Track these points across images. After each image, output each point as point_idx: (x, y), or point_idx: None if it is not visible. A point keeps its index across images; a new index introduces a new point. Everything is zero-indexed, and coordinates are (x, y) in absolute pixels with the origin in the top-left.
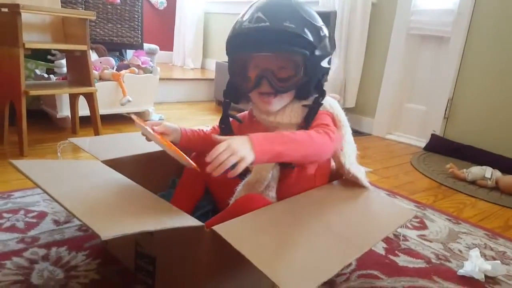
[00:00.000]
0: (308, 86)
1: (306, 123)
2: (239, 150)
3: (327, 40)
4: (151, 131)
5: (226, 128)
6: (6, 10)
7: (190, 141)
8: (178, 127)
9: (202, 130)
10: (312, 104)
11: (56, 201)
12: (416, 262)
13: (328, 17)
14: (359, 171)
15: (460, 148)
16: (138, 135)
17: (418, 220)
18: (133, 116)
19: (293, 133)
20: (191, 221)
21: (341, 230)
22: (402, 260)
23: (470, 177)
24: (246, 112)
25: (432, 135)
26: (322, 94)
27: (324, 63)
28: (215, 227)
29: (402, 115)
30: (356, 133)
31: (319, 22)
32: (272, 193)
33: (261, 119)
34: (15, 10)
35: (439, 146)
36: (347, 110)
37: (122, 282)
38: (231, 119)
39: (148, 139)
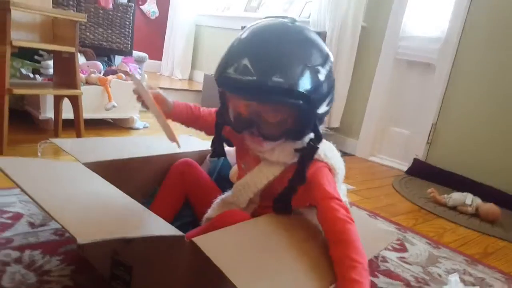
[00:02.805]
0: (302, 133)
1: (301, 171)
2: None
3: (329, 78)
4: (147, 90)
5: (217, 150)
6: None
7: (181, 115)
8: (171, 100)
9: (198, 107)
10: (305, 149)
11: (34, 201)
12: (395, 284)
13: None
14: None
15: (441, 174)
16: (121, 140)
17: (398, 242)
18: (131, 73)
19: (357, 250)
20: (171, 231)
21: (323, 253)
22: (382, 282)
23: (450, 202)
24: None
25: (415, 159)
26: (318, 138)
27: (322, 109)
28: (195, 239)
29: (386, 138)
30: (339, 153)
31: (318, 60)
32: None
33: (250, 147)
34: (4, 7)
35: (421, 170)
36: (331, 130)
37: None
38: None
39: (139, 99)
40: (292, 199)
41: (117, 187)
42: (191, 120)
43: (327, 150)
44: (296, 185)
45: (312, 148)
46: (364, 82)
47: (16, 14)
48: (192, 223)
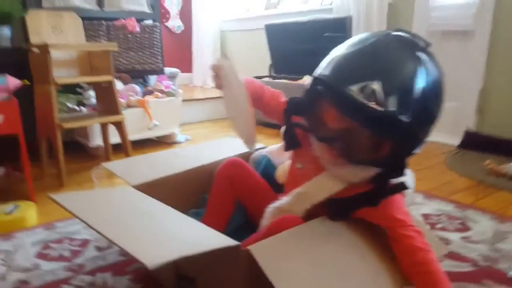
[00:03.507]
0: (387, 166)
1: (374, 197)
2: None
3: (432, 126)
4: (237, 76)
5: (290, 141)
6: (37, 50)
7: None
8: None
9: (262, 86)
10: (381, 179)
11: (98, 231)
12: (462, 266)
13: (344, 23)
14: None
15: (497, 143)
16: (167, 153)
17: (459, 221)
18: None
19: (443, 282)
20: (227, 241)
21: (376, 263)
22: (447, 265)
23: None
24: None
25: (466, 131)
26: (399, 174)
27: (417, 150)
28: (250, 247)
29: None
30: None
31: (439, 107)
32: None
33: (318, 155)
34: (45, 49)
35: (474, 142)
36: None
37: None
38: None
39: (217, 80)
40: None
41: (168, 203)
42: (254, 99)
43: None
44: (362, 207)
45: (389, 179)
46: None
47: (55, 54)
48: (244, 226)
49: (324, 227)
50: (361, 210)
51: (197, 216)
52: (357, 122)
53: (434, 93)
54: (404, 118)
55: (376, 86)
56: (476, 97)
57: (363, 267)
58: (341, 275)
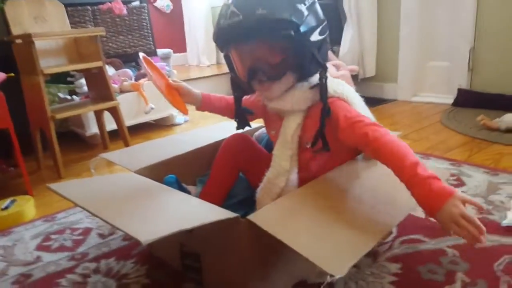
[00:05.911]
0: (302, 64)
1: (324, 104)
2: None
3: (313, 10)
4: (149, 70)
5: (241, 122)
6: (20, 41)
7: (211, 104)
8: (199, 92)
9: (225, 97)
10: (320, 84)
11: (94, 215)
12: None
13: None
14: None
15: (488, 98)
16: (164, 140)
17: (454, 177)
18: (141, 55)
19: (407, 153)
20: (225, 214)
21: (374, 202)
22: None
23: (503, 125)
24: (256, 95)
25: (459, 89)
26: (319, 65)
27: (315, 36)
28: (250, 216)
29: (426, 75)
30: (380, 100)
31: None
32: (294, 184)
33: (268, 105)
34: (28, 39)
35: (467, 99)
36: (368, 80)
37: (171, 282)
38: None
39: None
40: (329, 141)
41: None
42: (221, 108)
43: (336, 86)
44: (324, 119)
45: (323, 79)
46: (391, 23)
47: (40, 44)
48: (245, 201)
49: (316, 188)
50: (333, 137)
51: (202, 184)
52: (238, 41)
53: None
54: (260, 11)
55: (232, 7)
56: (467, 56)
57: (361, 209)
58: (343, 222)
